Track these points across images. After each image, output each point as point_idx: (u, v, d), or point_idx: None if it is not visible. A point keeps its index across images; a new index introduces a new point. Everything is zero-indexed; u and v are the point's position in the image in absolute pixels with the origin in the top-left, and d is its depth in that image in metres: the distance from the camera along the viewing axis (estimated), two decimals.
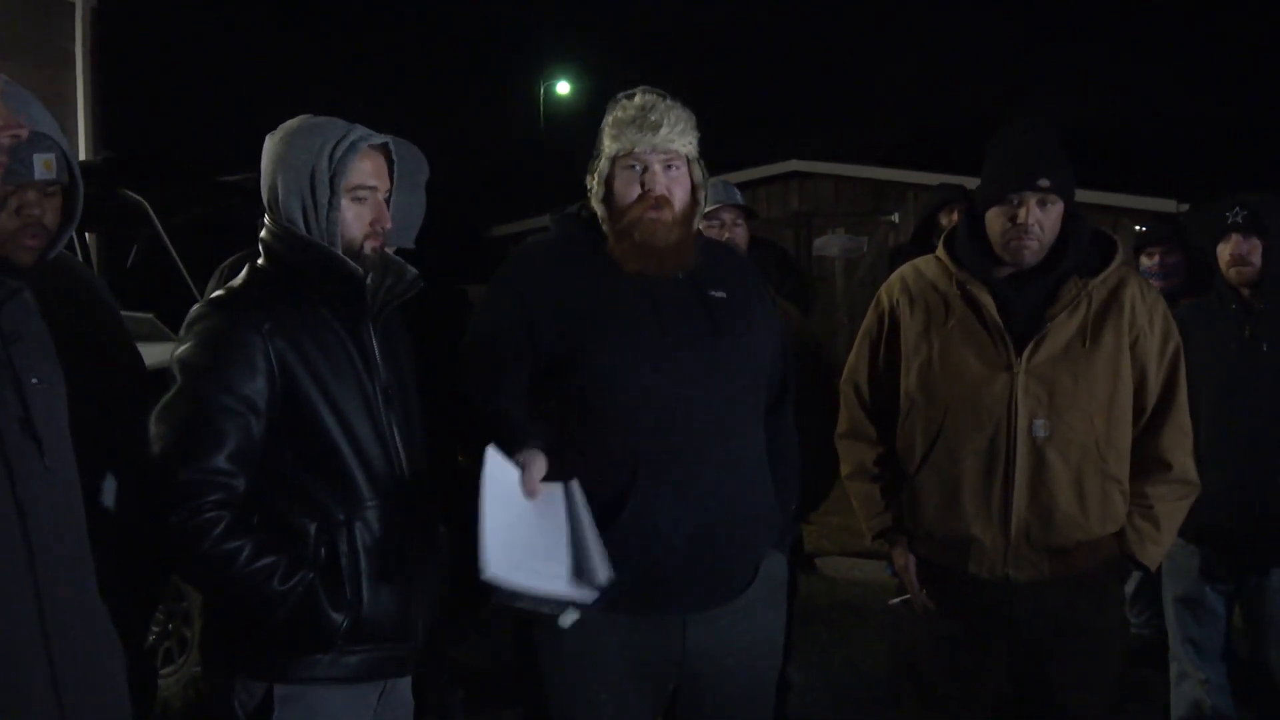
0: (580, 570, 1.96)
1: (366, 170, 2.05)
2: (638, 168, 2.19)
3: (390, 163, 2.13)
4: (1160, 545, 2.57)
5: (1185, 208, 9.40)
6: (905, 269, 2.76)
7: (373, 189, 2.07)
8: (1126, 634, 2.80)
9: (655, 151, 2.18)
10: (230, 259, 2.80)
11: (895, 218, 11.19)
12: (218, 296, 2.05)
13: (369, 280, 2.06)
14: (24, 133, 1.63)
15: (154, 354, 2.66)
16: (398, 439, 2.07)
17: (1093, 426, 2.48)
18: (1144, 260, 4.26)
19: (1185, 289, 4.01)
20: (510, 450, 1.98)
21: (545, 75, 22.94)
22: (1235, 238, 3.24)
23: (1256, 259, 3.22)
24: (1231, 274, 3.26)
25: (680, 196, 2.21)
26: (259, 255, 2.10)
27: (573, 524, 2.01)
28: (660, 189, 2.18)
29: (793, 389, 2.43)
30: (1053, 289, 2.53)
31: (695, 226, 2.28)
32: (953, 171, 8.39)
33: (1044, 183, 2.46)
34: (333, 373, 2.00)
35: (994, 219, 2.54)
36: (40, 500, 1.55)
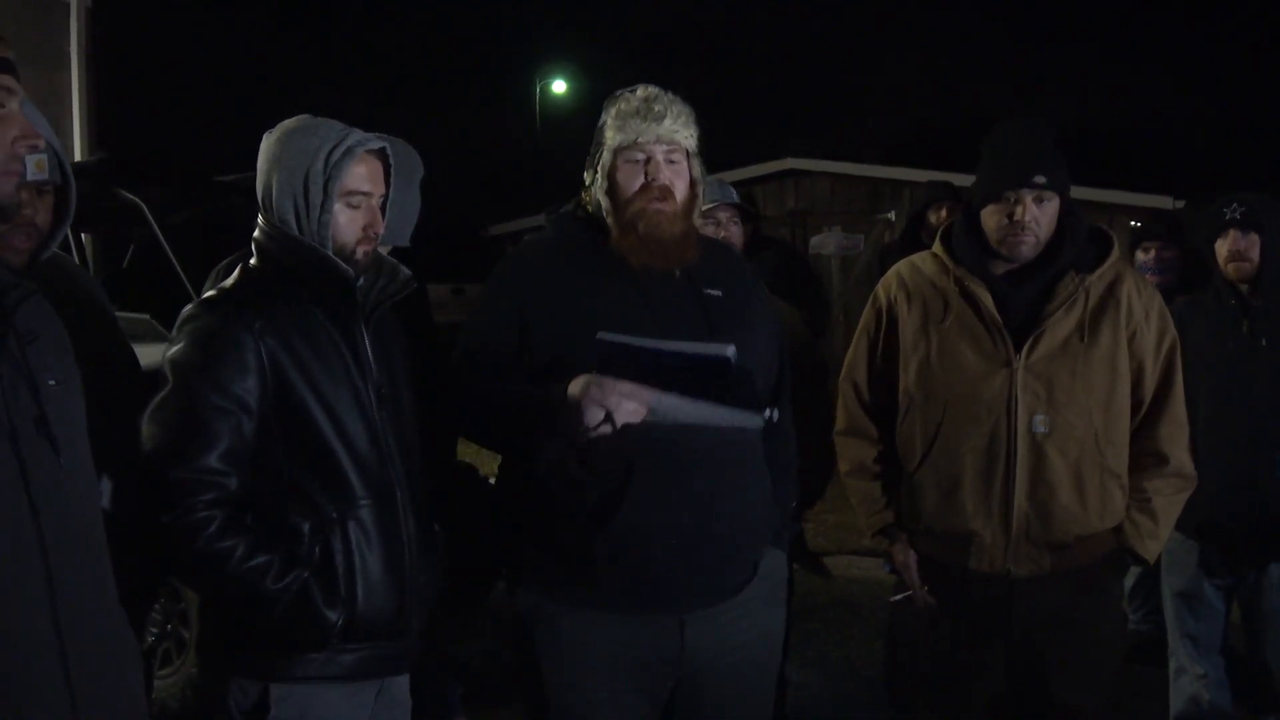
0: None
1: (361, 175, 2.05)
2: (641, 159, 2.19)
3: (387, 167, 2.12)
4: (1158, 539, 2.58)
5: (1181, 204, 9.41)
6: (902, 265, 2.75)
7: (367, 195, 2.06)
8: (1125, 629, 2.81)
9: (659, 142, 2.18)
10: (226, 260, 2.79)
11: (891, 216, 11.20)
12: (209, 296, 2.05)
13: (361, 281, 2.06)
14: (40, 143, 1.62)
15: (150, 355, 2.65)
16: (391, 438, 2.06)
17: (1091, 422, 2.49)
18: (1140, 255, 4.26)
19: (1180, 285, 4.02)
20: (548, 408, 1.99)
21: (541, 75, 22.98)
22: (1233, 233, 3.24)
23: (1254, 255, 3.22)
24: (1229, 270, 3.26)
25: (681, 189, 2.21)
26: (252, 255, 2.10)
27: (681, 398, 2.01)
28: (664, 179, 2.18)
29: (790, 387, 2.43)
30: (1050, 285, 2.53)
31: (695, 221, 2.27)
32: (949, 170, 8.40)
33: (1040, 179, 2.47)
34: (325, 372, 1.99)
35: (990, 216, 2.54)
36: (54, 500, 1.54)
